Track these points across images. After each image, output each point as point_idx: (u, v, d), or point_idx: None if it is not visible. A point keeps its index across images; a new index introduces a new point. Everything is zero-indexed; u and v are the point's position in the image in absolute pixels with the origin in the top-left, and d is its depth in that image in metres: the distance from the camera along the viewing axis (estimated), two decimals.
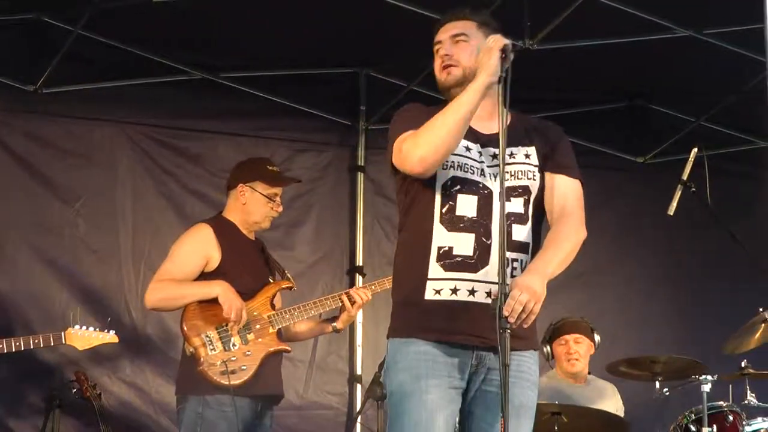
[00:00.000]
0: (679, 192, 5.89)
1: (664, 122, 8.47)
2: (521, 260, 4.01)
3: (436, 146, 3.90)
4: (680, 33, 7.05)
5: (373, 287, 5.88)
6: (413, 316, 4.02)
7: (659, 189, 6.43)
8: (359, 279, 7.94)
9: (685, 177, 5.91)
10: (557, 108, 8.10)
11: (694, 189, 5.84)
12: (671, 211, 5.95)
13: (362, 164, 8.19)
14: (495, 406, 3.85)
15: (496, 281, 3.74)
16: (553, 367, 7.01)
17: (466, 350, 3.97)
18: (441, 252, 3.98)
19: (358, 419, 7.35)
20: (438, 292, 3.97)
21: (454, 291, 3.95)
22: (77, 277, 7.29)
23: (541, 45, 6.83)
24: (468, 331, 3.92)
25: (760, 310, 6.22)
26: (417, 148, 3.91)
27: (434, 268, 3.98)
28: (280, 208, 5.82)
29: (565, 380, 6.92)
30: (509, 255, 3.92)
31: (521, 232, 4.03)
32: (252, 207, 5.74)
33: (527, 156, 4.12)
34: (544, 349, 6.94)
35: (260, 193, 5.74)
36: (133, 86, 7.46)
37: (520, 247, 4.03)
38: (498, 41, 3.90)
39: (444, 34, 4.16)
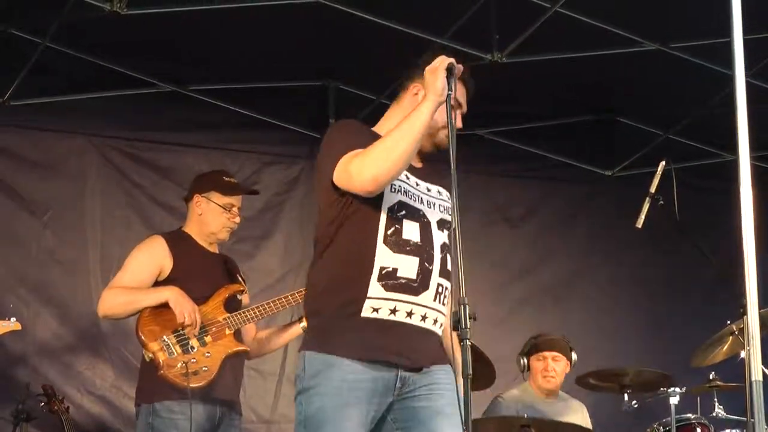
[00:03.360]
0: (647, 205, 5.89)
1: (632, 135, 8.50)
2: (448, 287, 4.09)
3: (389, 166, 3.87)
4: (648, 47, 7.10)
5: None
6: (340, 332, 3.97)
7: (628, 202, 6.44)
8: None
9: (653, 190, 5.91)
10: (526, 121, 8.14)
11: (662, 202, 5.85)
12: (639, 224, 5.96)
13: None
14: (429, 418, 3.95)
15: (432, 306, 3.96)
16: (526, 379, 7.04)
17: (390, 371, 3.95)
18: (384, 272, 3.96)
19: None
20: (376, 310, 3.94)
21: (393, 311, 3.95)
22: (45, 290, 7.25)
23: (509, 58, 6.83)
24: (397, 350, 3.92)
25: (728, 322, 6.25)
26: (369, 167, 3.88)
27: (374, 288, 3.95)
28: (238, 219, 5.78)
29: (536, 395, 6.96)
30: (443, 282, 4.04)
31: (450, 262, 4.08)
32: (208, 217, 5.73)
33: (440, 192, 4.18)
34: (521, 361, 6.97)
35: (215, 203, 5.72)
36: (102, 98, 7.43)
37: (449, 275, 4.08)
38: (442, 61, 3.87)
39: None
